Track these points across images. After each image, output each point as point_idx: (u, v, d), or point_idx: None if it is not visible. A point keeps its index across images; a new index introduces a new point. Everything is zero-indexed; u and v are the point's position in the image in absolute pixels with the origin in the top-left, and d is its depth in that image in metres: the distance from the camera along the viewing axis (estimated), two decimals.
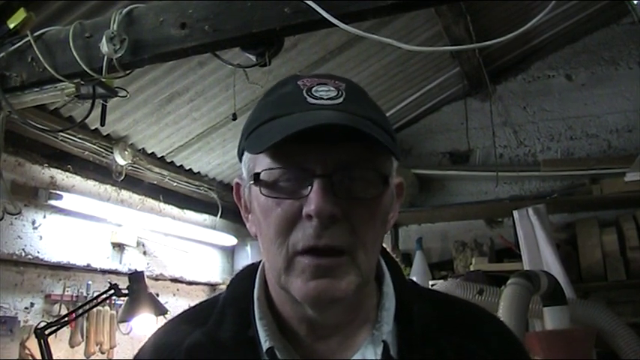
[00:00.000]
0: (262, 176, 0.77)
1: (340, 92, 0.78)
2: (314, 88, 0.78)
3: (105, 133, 3.02)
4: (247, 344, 0.81)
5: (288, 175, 0.76)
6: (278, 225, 0.76)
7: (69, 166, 2.94)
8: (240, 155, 0.84)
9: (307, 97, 0.77)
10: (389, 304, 0.83)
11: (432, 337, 0.81)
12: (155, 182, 3.47)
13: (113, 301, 2.97)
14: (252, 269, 0.90)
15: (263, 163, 0.77)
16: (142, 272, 2.74)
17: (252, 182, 0.79)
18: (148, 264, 3.44)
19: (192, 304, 0.95)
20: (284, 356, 0.79)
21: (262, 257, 0.84)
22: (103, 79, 1.94)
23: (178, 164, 3.58)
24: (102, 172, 3.12)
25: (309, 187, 0.74)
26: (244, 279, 0.89)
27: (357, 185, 0.76)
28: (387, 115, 0.86)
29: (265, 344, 0.79)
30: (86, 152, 2.97)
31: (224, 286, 3.93)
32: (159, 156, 3.40)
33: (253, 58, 1.81)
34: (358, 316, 0.82)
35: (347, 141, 0.74)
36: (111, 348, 3.01)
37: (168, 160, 3.49)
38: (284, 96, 0.80)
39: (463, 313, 0.89)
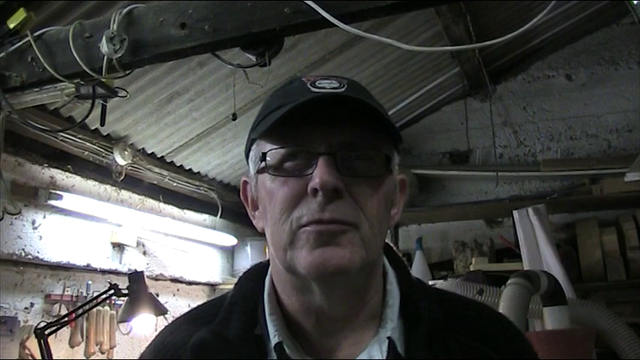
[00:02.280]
0: (269, 157, 0.79)
1: (343, 84, 0.81)
2: (317, 82, 0.82)
3: (105, 133, 3.02)
4: (254, 342, 0.81)
5: (294, 156, 0.79)
6: (283, 202, 0.78)
7: (69, 166, 2.94)
8: (248, 152, 0.86)
9: (311, 87, 0.80)
10: (392, 301, 0.84)
11: (438, 335, 0.81)
12: (155, 182, 3.47)
13: (113, 301, 2.97)
14: (260, 268, 0.91)
15: (268, 146, 0.80)
16: (142, 272, 2.74)
17: (258, 170, 0.82)
18: (147, 264, 3.44)
19: (192, 304, 0.95)
20: (292, 353, 0.79)
21: (269, 250, 0.85)
22: (103, 79, 1.94)
23: (178, 164, 3.58)
24: (102, 172, 3.12)
25: (314, 166, 0.77)
26: (252, 278, 0.89)
27: (361, 164, 0.79)
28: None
29: (274, 339, 0.80)
30: (86, 152, 2.97)
31: (224, 287, 3.96)
32: (159, 156, 3.40)
33: (253, 58, 1.81)
34: (364, 309, 0.82)
35: (350, 123, 0.78)
36: (111, 348, 3.01)
37: (168, 160, 3.49)
38: (289, 90, 0.83)
39: (469, 311, 0.89)
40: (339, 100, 0.78)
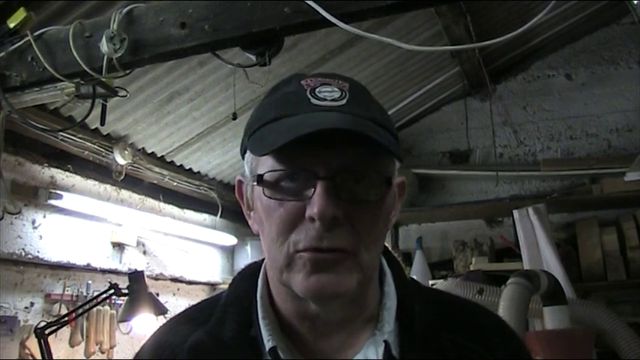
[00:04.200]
0: (265, 177, 0.77)
1: (344, 93, 0.78)
2: (317, 89, 0.78)
3: (105, 133, 3.02)
4: (249, 344, 0.81)
5: (292, 177, 0.76)
6: (280, 225, 0.76)
7: (69, 166, 2.94)
8: (243, 153, 0.85)
9: (311, 97, 0.77)
10: (390, 303, 0.83)
11: (433, 337, 0.81)
12: (155, 182, 3.47)
13: (113, 301, 2.97)
14: (254, 268, 0.90)
15: (266, 164, 0.77)
16: (142, 272, 2.74)
17: (254, 183, 0.79)
18: (147, 264, 3.44)
19: (192, 303, 0.95)
20: (287, 356, 0.79)
21: (264, 255, 0.84)
22: (103, 79, 1.94)
23: (178, 164, 3.58)
24: (102, 172, 3.12)
25: (313, 190, 0.74)
26: (246, 278, 0.89)
27: (360, 188, 0.76)
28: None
29: (268, 344, 0.79)
30: (86, 152, 2.97)
31: (224, 286, 3.94)
32: (159, 155, 3.40)
33: (253, 57, 1.81)
34: (361, 314, 0.82)
35: (350, 143, 0.74)
36: (111, 347, 3.01)
37: (168, 160, 3.49)
38: (287, 95, 0.80)
39: (465, 312, 0.89)
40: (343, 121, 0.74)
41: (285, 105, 0.78)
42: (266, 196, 0.77)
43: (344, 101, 0.77)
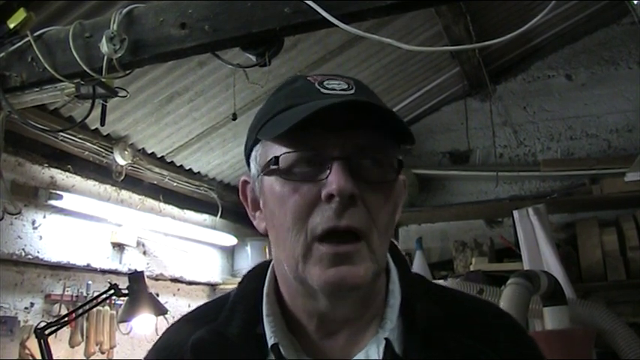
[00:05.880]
0: (280, 161, 0.77)
1: (351, 86, 0.80)
2: (325, 82, 0.80)
3: (105, 133, 3.02)
4: (255, 341, 0.81)
5: (306, 160, 0.77)
6: (296, 211, 0.76)
7: (69, 166, 2.94)
8: (249, 152, 0.85)
9: (320, 88, 0.79)
10: (393, 301, 0.83)
11: (436, 335, 0.80)
12: (155, 182, 3.47)
13: (113, 301, 2.97)
14: (263, 267, 0.90)
15: (280, 150, 0.78)
16: (142, 272, 2.74)
17: (266, 172, 0.80)
18: (147, 264, 3.44)
19: (192, 304, 0.96)
20: (290, 353, 0.79)
21: (273, 252, 0.84)
22: (103, 79, 1.94)
23: (178, 164, 3.58)
24: (102, 172, 3.12)
25: (328, 171, 0.75)
26: (255, 276, 0.89)
27: (374, 169, 0.77)
28: None
29: (270, 340, 0.80)
30: (86, 152, 2.97)
31: (224, 286, 3.96)
32: (159, 156, 3.40)
33: (253, 58, 1.81)
34: (367, 312, 0.82)
35: (362, 127, 0.76)
36: (111, 348, 3.01)
37: (168, 160, 3.49)
38: (296, 89, 0.81)
39: (473, 310, 0.88)
40: (358, 104, 0.76)
41: (296, 96, 0.80)
42: (283, 178, 0.77)
43: (352, 91, 0.79)
